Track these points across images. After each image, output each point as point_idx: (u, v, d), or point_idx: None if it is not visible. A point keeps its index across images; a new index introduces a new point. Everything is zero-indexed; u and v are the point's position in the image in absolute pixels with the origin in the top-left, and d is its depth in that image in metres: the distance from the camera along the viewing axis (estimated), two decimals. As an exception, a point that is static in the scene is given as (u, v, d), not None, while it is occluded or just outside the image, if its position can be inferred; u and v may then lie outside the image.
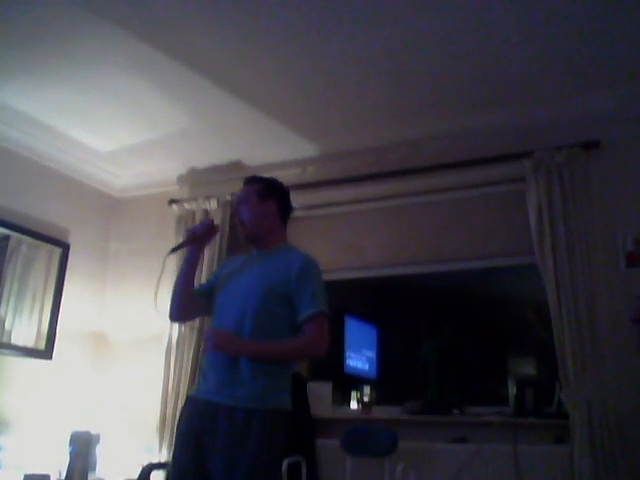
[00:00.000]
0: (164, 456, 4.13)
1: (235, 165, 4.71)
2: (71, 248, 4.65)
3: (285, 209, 2.65)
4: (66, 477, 3.71)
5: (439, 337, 4.72)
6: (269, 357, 2.36)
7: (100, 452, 4.20)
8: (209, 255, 4.34)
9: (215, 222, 2.70)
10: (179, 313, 2.67)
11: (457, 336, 4.62)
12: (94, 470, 4.10)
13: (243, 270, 2.56)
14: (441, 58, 3.46)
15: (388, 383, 4.75)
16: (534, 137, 3.87)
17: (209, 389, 2.38)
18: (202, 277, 4.14)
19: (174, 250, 2.65)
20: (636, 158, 3.66)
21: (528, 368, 3.86)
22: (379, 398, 4.37)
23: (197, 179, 4.87)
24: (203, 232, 2.62)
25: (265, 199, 2.57)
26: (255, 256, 2.61)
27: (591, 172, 3.68)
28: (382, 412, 4.23)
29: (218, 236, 3.89)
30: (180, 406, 4.16)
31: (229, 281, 2.55)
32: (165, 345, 4.37)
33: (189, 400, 2.52)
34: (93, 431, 4.06)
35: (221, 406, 2.30)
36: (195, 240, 2.61)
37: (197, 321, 4.22)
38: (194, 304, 2.65)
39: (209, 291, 2.63)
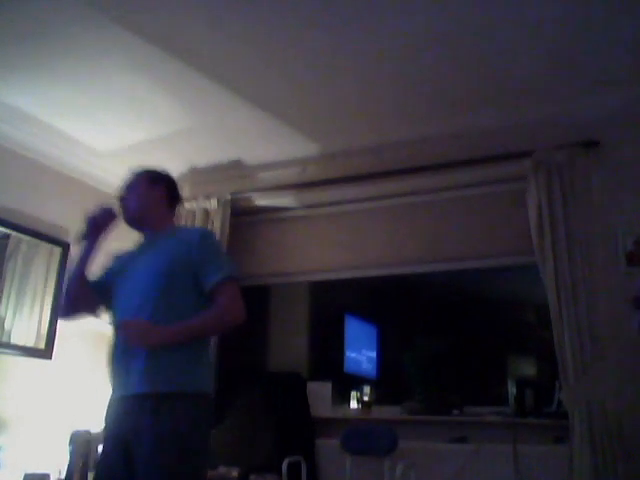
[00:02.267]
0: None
1: (235, 164, 4.71)
2: (71, 247, 4.64)
3: (172, 195, 2.64)
4: (66, 476, 3.71)
5: (436, 338, 4.72)
6: (185, 338, 2.25)
7: (100, 451, 4.20)
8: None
9: (113, 208, 2.59)
10: (68, 308, 2.53)
11: (454, 336, 4.62)
12: (94, 470, 4.10)
13: (136, 259, 2.49)
14: (442, 58, 3.45)
15: (388, 383, 4.74)
16: (534, 137, 3.87)
17: (121, 384, 2.28)
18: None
19: (85, 247, 2.52)
20: (636, 158, 3.66)
21: (528, 368, 3.86)
22: (379, 398, 4.37)
23: (197, 178, 4.86)
24: (104, 218, 2.54)
25: (153, 184, 2.58)
26: (145, 242, 2.57)
27: (591, 172, 3.68)
28: (382, 412, 4.23)
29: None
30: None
31: (123, 273, 2.47)
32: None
33: (108, 405, 2.35)
34: (93, 430, 4.06)
35: (136, 397, 2.20)
36: (97, 228, 2.52)
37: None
38: (86, 299, 2.52)
39: (100, 286, 2.53)
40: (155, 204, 2.56)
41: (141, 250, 2.54)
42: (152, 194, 2.56)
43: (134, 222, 2.57)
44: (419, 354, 4.61)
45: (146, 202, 2.55)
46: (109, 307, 2.50)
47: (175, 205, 2.66)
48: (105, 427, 2.32)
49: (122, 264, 2.54)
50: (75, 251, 2.51)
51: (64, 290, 2.55)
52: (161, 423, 2.13)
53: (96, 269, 2.60)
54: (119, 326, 2.31)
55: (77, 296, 2.49)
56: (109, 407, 2.32)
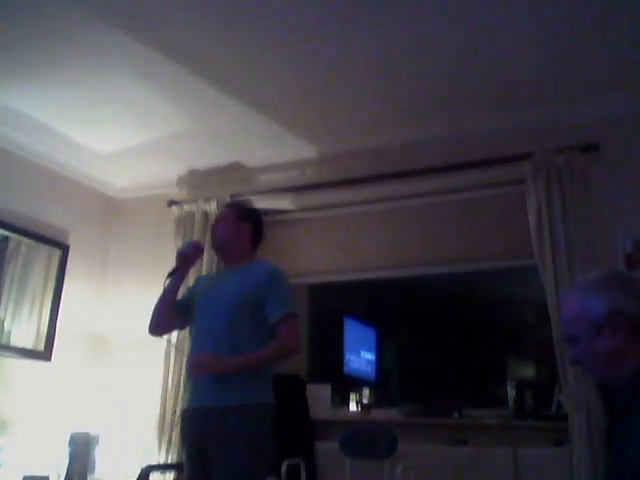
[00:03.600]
0: (163, 457, 4.14)
1: (235, 167, 4.71)
2: (70, 249, 4.64)
3: (257, 234, 2.91)
4: (65, 478, 3.71)
5: (435, 341, 4.74)
6: (249, 368, 2.56)
7: (99, 453, 4.20)
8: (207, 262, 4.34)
9: (200, 242, 3.00)
10: (159, 328, 2.89)
11: (454, 338, 4.63)
12: (93, 471, 4.09)
13: (215, 286, 2.78)
14: (440, 60, 3.46)
15: (387, 385, 4.75)
16: (534, 140, 3.87)
17: (199, 396, 2.61)
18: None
19: (171, 274, 2.83)
20: (635, 161, 3.66)
21: (527, 370, 3.86)
22: (378, 400, 4.37)
23: (197, 181, 4.87)
24: (193, 253, 2.86)
25: (241, 222, 2.85)
26: (225, 272, 2.88)
27: (591, 175, 3.68)
28: (381, 414, 4.24)
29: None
30: (179, 407, 4.17)
31: (203, 298, 2.75)
32: (164, 347, 4.36)
33: (184, 413, 2.73)
34: (92, 432, 4.06)
35: (212, 408, 2.52)
36: (187, 261, 2.85)
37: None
38: (172, 319, 2.86)
39: (184, 306, 2.84)
40: (240, 239, 2.83)
41: (221, 278, 2.86)
42: (239, 230, 2.83)
43: (219, 250, 2.90)
44: (419, 356, 4.62)
45: (232, 236, 2.83)
46: (190, 325, 2.84)
47: (259, 242, 2.92)
48: (186, 437, 2.66)
49: (204, 288, 2.83)
50: (166, 281, 2.85)
51: (153, 311, 2.84)
52: (240, 429, 2.47)
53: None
54: (190, 363, 2.63)
55: (164, 318, 2.83)
56: (188, 416, 2.66)
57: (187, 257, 2.84)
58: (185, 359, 2.87)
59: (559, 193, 3.68)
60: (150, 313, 2.81)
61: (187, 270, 2.91)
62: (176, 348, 4.18)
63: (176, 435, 4.13)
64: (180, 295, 2.94)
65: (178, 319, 2.87)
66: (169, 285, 2.83)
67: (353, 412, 4.35)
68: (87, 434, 3.97)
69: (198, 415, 2.57)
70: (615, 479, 1.41)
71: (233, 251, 2.82)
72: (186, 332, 4.17)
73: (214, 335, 2.61)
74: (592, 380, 1.63)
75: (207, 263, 4.33)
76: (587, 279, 1.70)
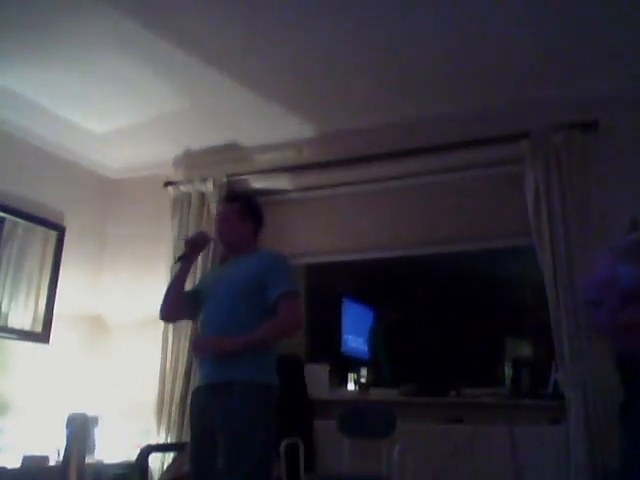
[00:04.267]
0: (162, 438, 4.16)
1: (231, 146, 4.68)
2: (67, 231, 4.63)
3: (259, 226, 3.03)
4: (63, 459, 3.73)
5: (433, 320, 4.74)
6: (253, 347, 2.63)
7: (98, 434, 4.21)
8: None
9: (208, 232, 3.18)
10: (169, 313, 3.00)
11: (451, 318, 4.63)
12: (93, 452, 4.12)
13: (221, 276, 2.91)
14: (439, 40, 3.42)
15: (384, 364, 4.77)
16: (532, 118, 3.85)
17: (206, 374, 2.70)
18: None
19: (179, 259, 2.97)
20: (634, 139, 3.64)
21: (524, 349, 3.87)
22: (376, 380, 4.38)
23: (193, 161, 4.84)
24: (201, 241, 2.99)
25: (243, 219, 2.95)
26: (231, 261, 2.98)
27: (589, 153, 3.67)
28: (379, 393, 4.25)
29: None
30: (178, 388, 4.19)
31: (210, 288, 2.88)
32: (162, 327, 4.37)
33: (193, 393, 2.83)
34: (91, 413, 4.07)
35: (219, 384, 2.61)
36: (195, 249, 2.98)
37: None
38: (183, 306, 2.97)
39: (193, 296, 2.95)
40: (244, 235, 2.96)
41: (227, 268, 2.97)
42: (242, 228, 2.95)
43: (228, 247, 3.04)
44: (417, 336, 4.63)
45: (237, 234, 2.95)
46: (199, 313, 2.93)
47: (260, 232, 3.04)
48: (194, 412, 2.75)
49: (212, 278, 3.00)
50: (175, 268, 3.00)
51: (163, 298, 2.95)
52: (246, 404, 2.56)
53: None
54: (193, 345, 2.84)
55: (174, 304, 2.94)
56: (195, 395, 2.77)
57: (195, 245, 2.96)
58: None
59: (557, 171, 3.66)
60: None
61: (195, 257, 3.06)
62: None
63: (175, 415, 4.16)
64: (189, 287, 3.11)
65: (187, 308, 2.97)
66: (178, 271, 2.98)
67: (351, 392, 4.37)
68: (84, 415, 3.97)
69: (205, 392, 2.66)
70: (635, 464, 1.37)
71: (239, 246, 2.94)
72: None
73: (217, 319, 2.73)
74: (611, 349, 1.56)
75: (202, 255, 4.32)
76: (622, 244, 1.62)
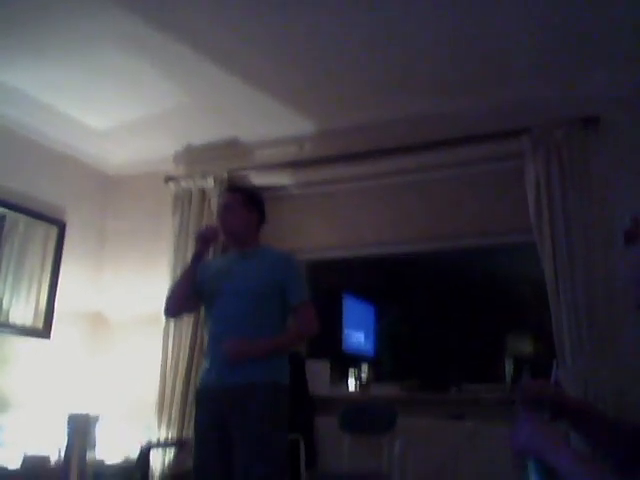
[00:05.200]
0: (163, 435, 4.16)
1: (232, 142, 4.67)
2: (67, 226, 4.63)
3: (262, 219, 3.04)
4: (64, 458, 3.73)
5: (434, 317, 4.74)
6: (275, 351, 2.74)
7: (99, 432, 4.21)
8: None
9: (218, 227, 3.06)
10: (176, 309, 3.03)
11: (453, 314, 4.63)
12: (93, 450, 4.11)
13: (232, 274, 2.88)
14: (440, 35, 3.41)
15: (386, 361, 4.76)
16: (533, 114, 3.84)
17: (223, 375, 2.70)
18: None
19: (197, 259, 2.94)
20: (635, 135, 3.63)
21: (525, 346, 3.86)
22: (377, 376, 4.38)
23: (194, 156, 4.83)
24: (212, 235, 2.96)
25: (247, 209, 2.96)
26: (238, 258, 2.95)
27: (590, 149, 3.65)
28: (380, 390, 4.25)
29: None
30: (179, 385, 4.18)
31: (219, 283, 2.87)
32: (163, 324, 4.37)
33: (201, 392, 2.83)
34: (92, 411, 4.07)
35: (237, 385, 2.64)
36: (205, 244, 2.97)
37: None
38: (188, 301, 2.97)
39: (197, 289, 2.92)
40: (248, 226, 2.96)
41: (235, 263, 2.95)
42: (247, 218, 2.96)
43: (230, 237, 3.00)
44: (417, 333, 4.62)
45: (242, 225, 2.94)
46: (206, 310, 2.97)
47: (262, 225, 3.05)
48: (202, 410, 2.76)
49: (218, 271, 2.95)
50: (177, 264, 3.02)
51: (169, 293, 3.00)
52: (267, 405, 2.64)
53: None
54: (228, 347, 2.70)
55: (182, 301, 2.95)
56: (206, 396, 2.75)
57: (206, 240, 2.95)
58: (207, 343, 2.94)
59: (558, 167, 3.65)
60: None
61: (206, 252, 3.05)
62: None
63: (176, 413, 4.15)
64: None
65: (193, 301, 2.99)
66: (187, 267, 2.97)
67: (352, 388, 4.37)
68: (86, 414, 3.98)
69: (220, 394, 2.67)
70: None
71: (244, 237, 2.94)
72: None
73: (238, 320, 2.75)
74: None
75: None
76: None
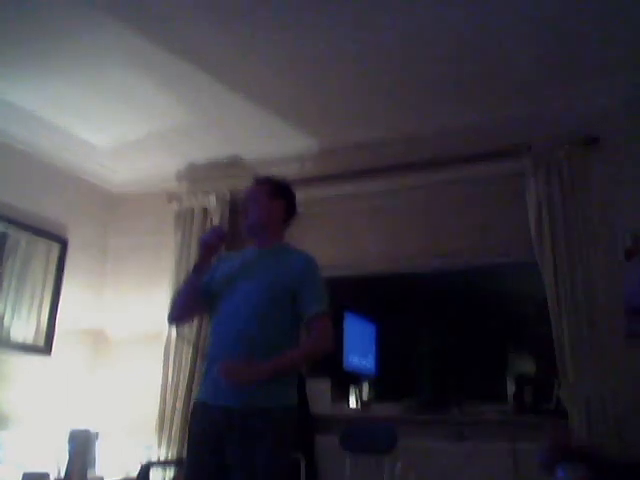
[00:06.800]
0: (163, 454, 4.14)
1: (234, 160, 4.69)
2: (69, 244, 4.64)
3: (291, 211, 2.74)
4: (65, 476, 3.71)
5: (435, 336, 4.72)
6: (282, 372, 2.43)
7: (99, 449, 4.19)
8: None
9: (222, 229, 2.80)
10: (179, 318, 2.82)
11: (453, 333, 4.62)
12: (93, 468, 4.09)
13: (244, 272, 2.60)
14: (441, 54, 3.44)
15: (387, 380, 4.74)
16: (534, 133, 3.85)
17: (220, 394, 2.41)
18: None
19: (198, 267, 2.65)
20: (636, 154, 3.64)
21: (527, 365, 3.85)
22: (378, 395, 4.36)
23: (196, 175, 4.84)
24: (216, 240, 2.65)
25: (274, 199, 2.66)
26: (255, 254, 2.66)
27: (591, 168, 3.67)
28: (381, 409, 4.23)
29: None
30: (179, 403, 4.17)
31: (228, 284, 2.58)
32: (164, 342, 4.36)
33: (197, 406, 2.53)
34: (92, 429, 4.06)
35: (235, 409, 2.36)
36: (210, 250, 2.64)
37: (193, 332, 4.23)
38: (196, 307, 2.73)
39: (206, 291, 2.64)
40: (273, 219, 2.66)
41: (250, 260, 2.65)
42: (272, 208, 2.65)
43: (251, 231, 2.68)
44: (419, 352, 4.61)
45: (266, 216, 2.65)
46: (213, 309, 2.61)
47: (291, 218, 2.76)
48: (196, 431, 2.47)
49: (229, 271, 2.64)
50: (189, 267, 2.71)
51: (173, 300, 2.75)
52: (266, 431, 2.34)
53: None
54: (219, 367, 2.40)
55: (187, 307, 2.69)
56: (202, 412, 2.46)
57: (210, 245, 2.63)
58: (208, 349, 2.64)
59: (559, 187, 3.66)
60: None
61: (210, 258, 2.68)
62: (187, 341, 4.14)
63: (176, 431, 4.13)
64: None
65: (201, 306, 2.70)
66: (192, 277, 2.64)
67: (353, 407, 4.34)
68: (86, 431, 3.97)
69: (218, 414, 2.38)
70: None
71: (267, 231, 2.65)
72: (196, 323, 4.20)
73: (241, 327, 2.45)
74: None
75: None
76: None
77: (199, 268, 2.64)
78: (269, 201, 2.65)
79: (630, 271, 3.45)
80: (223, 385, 2.39)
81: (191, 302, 2.67)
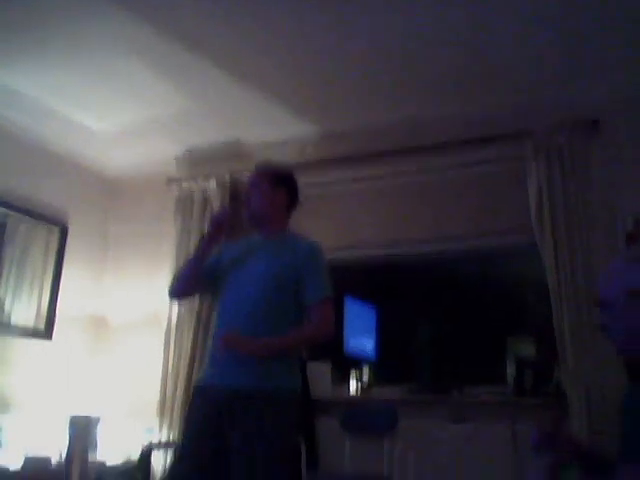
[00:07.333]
0: (164, 437, 4.16)
1: (234, 145, 4.68)
2: (70, 229, 4.64)
3: (293, 199, 2.74)
4: (66, 460, 3.74)
5: (435, 320, 4.73)
6: (281, 351, 2.45)
7: (100, 433, 4.21)
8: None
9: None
10: (181, 291, 2.79)
11: (454, 316, 4.63)
12: (94, 452, 4.11)
13: (248, 257, 2.62)
14: (443, 38, 3.42)
15: (387, 364, 4.76)
16: (534, 118, 3.85)
17: (223, 374, 2.43)
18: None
19: (207, 242, 2.66)
20: (636, 138, 3.64)
21: (527, 348, 3.85)
22: (378, 378, 4.38)
23: (195, 159, 4.84)
24: (227, 219, 2.69)
25: (276, 187, 2.66)
26: (259, 242, 2.67)
27: (591, 152, 3.67)
28: (381, 392, 4.25)
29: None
30: (180, 386, 4.18)
31: (235, 268, 2.60)
32: (165, 326, 4.38)
33: (199, 390, 2.53)
34: (93, 412, 4.07)
35: (238, 390, 2.36)
36: (219, 228, 2.65)
37: (196, 303, 4.24)
38: (197, 282, 2.70)
39: (211, 272, 2.66)
40: (275, 207, 2.66)
41: (254, 247, 2.66)
42: (275, 197, 2.65)
43: (253, 220, 2.68)
44: (419, 336, 4.62)
45: (268, 205, 2.65)
46: (216, 294, 2.66)
47: (294, 206, 2.75)
48: (196, 417, 2.45)
49: (234, 257, 2.66)
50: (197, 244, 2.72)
51: (177, 274, 2.78)
52: (268, 414, 2.34)
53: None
54: (225, 339, 2.43)
55: (190, 282, 2.68)
56: (204, 393, 2.46)
57: (220, 224, 2.66)
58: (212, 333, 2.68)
59: (560, 171, 3.67)
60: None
61: (219, 237, 2.68)
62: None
63: (177, 414, 4.16)
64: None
65: (202, 284, 2.72)
66: (199, 249, 2.66)
67: (353, 390, 4.36)
68: (87, 416, 3.98)
69: (221, 396, 2.38)
70: (631, 445, 1.41)
71: (270, 220, 2.65)
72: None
73: (247, 310, 2.47)
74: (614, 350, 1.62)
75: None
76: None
77: (207, 242, 2.65)
78: (271, 190, 2.65)
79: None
80: (224, 360, 2.42)
81: (194, 278, 2.66)
